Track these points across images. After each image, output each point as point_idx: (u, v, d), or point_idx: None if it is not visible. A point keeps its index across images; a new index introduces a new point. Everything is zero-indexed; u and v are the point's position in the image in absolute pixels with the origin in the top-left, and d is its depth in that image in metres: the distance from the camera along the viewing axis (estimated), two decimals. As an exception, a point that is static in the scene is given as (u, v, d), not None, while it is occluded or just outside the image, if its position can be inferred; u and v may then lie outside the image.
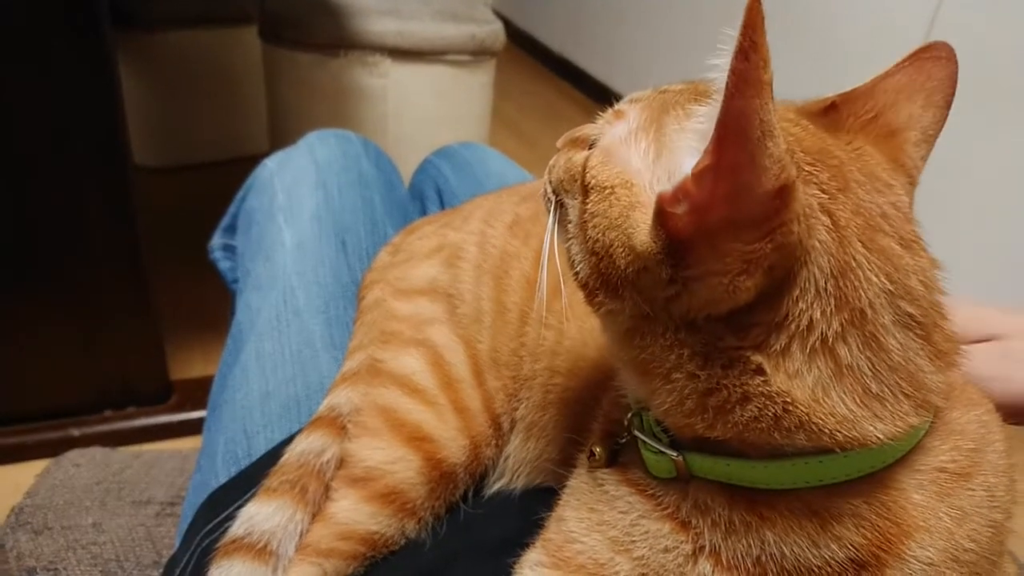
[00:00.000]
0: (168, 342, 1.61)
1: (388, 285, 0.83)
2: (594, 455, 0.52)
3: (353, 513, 0.65)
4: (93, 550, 0.80)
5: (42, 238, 1.37)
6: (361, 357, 0.76)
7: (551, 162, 0.53)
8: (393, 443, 0.68)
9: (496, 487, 0.73)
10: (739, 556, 0.43)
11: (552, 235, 0.52)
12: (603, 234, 0.42)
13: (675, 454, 0.45)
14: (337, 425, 0.70)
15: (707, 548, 0.44)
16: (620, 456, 0.52)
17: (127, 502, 0.86)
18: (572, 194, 0.48)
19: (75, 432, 1.52)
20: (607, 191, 0.43)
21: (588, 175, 0.45)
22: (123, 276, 1.47)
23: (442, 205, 1.10)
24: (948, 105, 0.49)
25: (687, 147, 0.40)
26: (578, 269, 0.46)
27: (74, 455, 0.94)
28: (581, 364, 0.67)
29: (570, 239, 0.48)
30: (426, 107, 1.92)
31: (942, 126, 0.49)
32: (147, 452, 0.98)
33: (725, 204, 0.35)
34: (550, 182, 0.52)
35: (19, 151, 1.28)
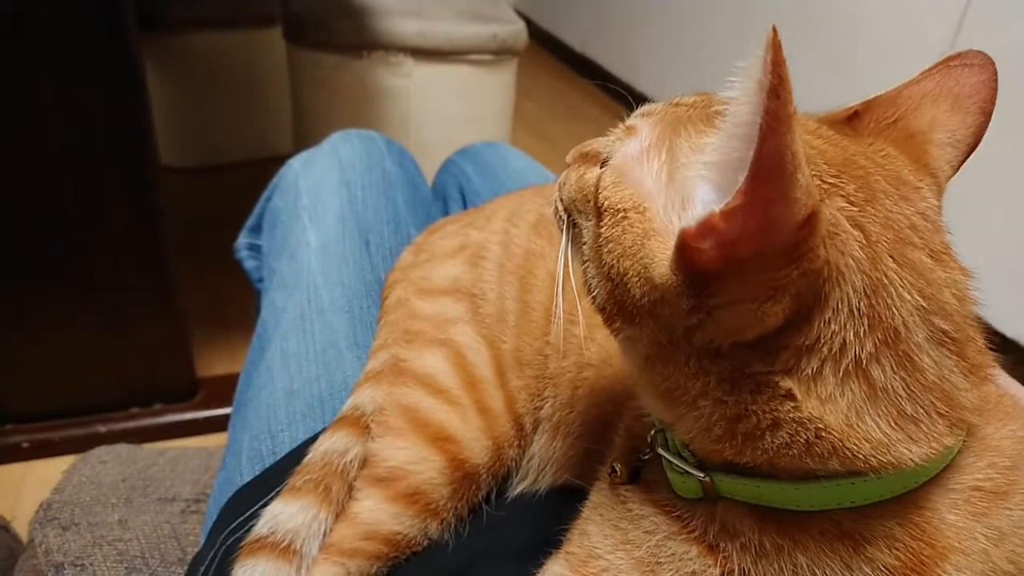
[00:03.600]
0: (194, 340, 1.63)
1: (411, 284, 0.83)
2: (615, 471, 0.51)
3: (376, 513, 0.65)
4: (119, 547, 0.81)
5: (70, 238, 1.39)
6: (384, 356, 0.76)
7: (560, 178, 0.52)
8: (416, 443, 0.68)
9: (519, 488, 0.73)
10: None
11: (566, 254, 0.50)
12: (618, 261, 0.41)
13: (702, 475, 0.44)
14: (361, 424, 0.70)
15: (736, 573, 0.43)
16: (643, 473, 0.51)
17: (152, 499, 0.87)
18: (585, 215, 0.47)
19: (102, 429, 1.55)
20: (620, 215, 0.42)
21: (601, 196, 0.44)
22: (149, 275, 1.49)
23: (464, 205, 1.10)
24: (984, 112, 0.48)
25: (701, 176, 0.39)
26: (595, 294, 0.44)
27: (100, 452, 0.94)
28: (614, 353, 0.67)
29: (586, 261, 0.46)
30: (448, 107, 1.92)
31: (979, 133, 0.48)
32: (172, 449, 0.98)
33: (755, 239, 0.34)
34: (561, 199, 0.51)
35: (47, 152, 1.30)
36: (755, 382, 0.39)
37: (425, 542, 0.66)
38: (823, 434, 0.38)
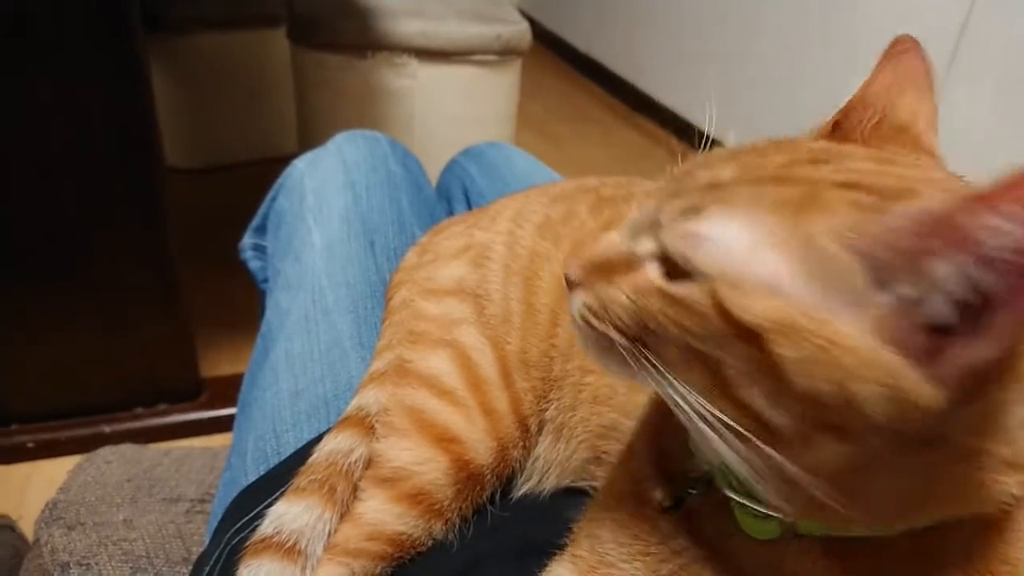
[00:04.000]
0: (198, 340, 1.63)
1: (416, 285, 0.83)
2: (657, 497, 0.48)
3: (381, 513, 0.65)
4: (124, 546, 0.81)
5: (74, 238, 1.39)
6: (389, 357, 0.76)
7: (588, 301, 0.43)
8: (421, 444, 0.68)
9: (524, 489, 0.73)
10: None
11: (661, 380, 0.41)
12: (830, 385, 0.34)
13: (787, 518, 0.41)
14: (365, 425, 0.70)
15: None
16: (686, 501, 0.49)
17: (157, 499, 0.87)
18: (706, 339, 0.38)
19: (107, 429, 1.55)
20: (803, 335, 0.35)
21: (740, 316, 0.36)
22: (154, 275, 1.49)
23: (469, 205, 1.10)
24: (933, 89, 0.48)
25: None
26: (768, 416, 0.37)
27: (105, 452, 0.95)
28: None
29: (736, 388, 0.38)
30: (453, 107, 1.92)
31: (936, 111, 0.48)
32: (177, 449, 0.98)
33: None
34: (619, 326, 0.42)
35: (52, 153, 1.31)
36: (966, 455, 0.37)
37: (429, 543, 0.66)
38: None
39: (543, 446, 0.72)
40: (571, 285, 0.45)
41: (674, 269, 0.39)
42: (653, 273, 0.41)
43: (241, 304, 1.37)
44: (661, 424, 0.53)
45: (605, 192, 0.86)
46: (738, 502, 0.43)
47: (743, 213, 0.38)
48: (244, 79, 2.35)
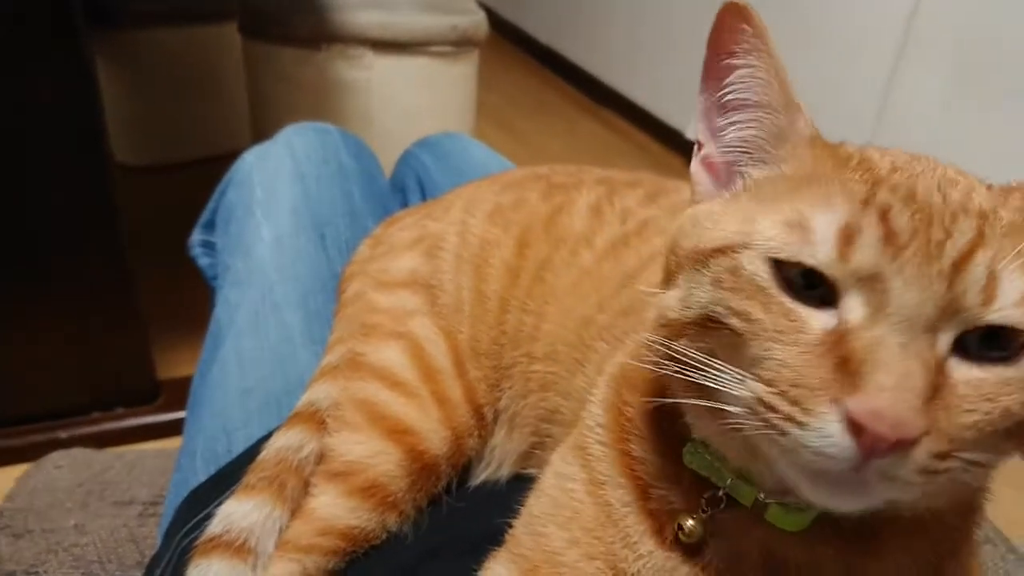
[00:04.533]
0: (155, 342, 1.59)
1: (368, 278, 0.82)
2: (683, 529, 0.46)
3: (333, 508, 0.64)
4: (75, 552, 0.79)
5: (23, 239, 1.35)
6: (341, 351, 0.75)
7: (935, 447, 0.34)
8: (373, 436, 0.67)
9: (482, 477, 0.73)
10: None
11: None
12: None
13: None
14: (316, 420, 0.69)
15: None
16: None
17: (109, 503, 0.85)
18: None
19: (62, 434, 1.51)
20: None
21: None
22: (108, 276, 1.45)
23: (424, 197, 1.09)
24: None
25: None
26: None
27: (56, 457, 0.93)
28: (560, 348, 0.66)
29: None
30: (410, 99, 1.90)
31: None
32: (129, 452, 0.97)
33: None
34: (970, 452, 0.36)
35: (-7, 151, 1.27)
36: None
37: (384, 535, 0.65)
38: None
39: (499, 435, 0.72)
40: (879, 444, 0.33)
41: (987, 347, 0.36)
42: (969, 368, 0.36)
43: (199, 304, 1.34)
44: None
45: (556, 179, 0.86)
46: (773, 503, 0.43)
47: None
48: (196, 75, 2.31)
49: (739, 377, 0.37)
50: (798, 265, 0.37)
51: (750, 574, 0.45)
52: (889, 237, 0.36)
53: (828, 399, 0.34)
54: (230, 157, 1.17)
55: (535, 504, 0.54)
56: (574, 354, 0.65)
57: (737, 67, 0.44)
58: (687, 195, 0.49)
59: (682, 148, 0.61)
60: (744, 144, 0.45)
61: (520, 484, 0.68)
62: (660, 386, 0.48)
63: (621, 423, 0.51)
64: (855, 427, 0.33)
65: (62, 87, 1.26)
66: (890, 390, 0.33)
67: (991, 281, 0.35)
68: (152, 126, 2.34)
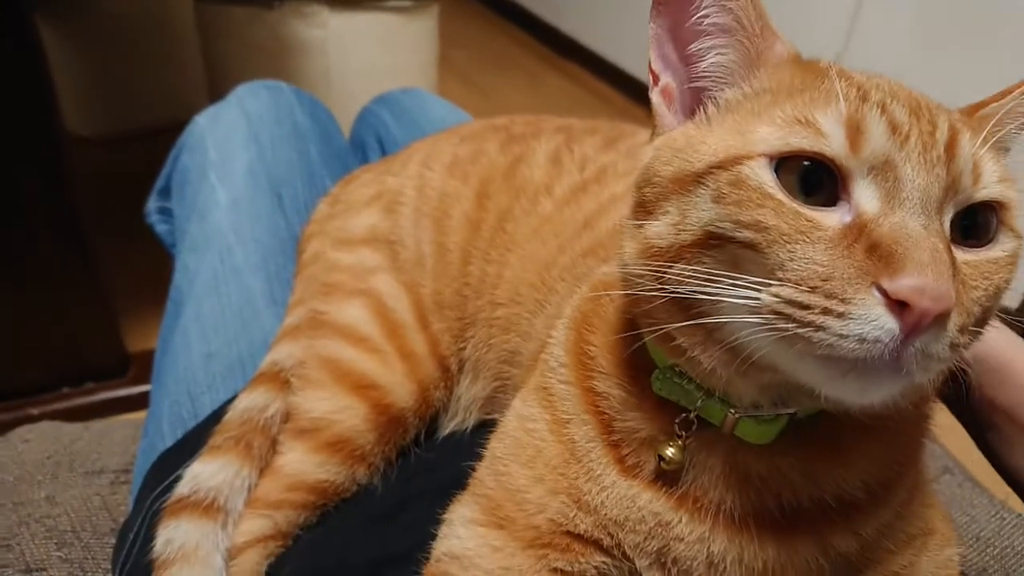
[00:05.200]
0: (123, 314, 1.58)
1: (328, 237, 0.81)
2: (664, 458, 0.47)
3: (301, 464, 0.65)
4: (47, 523, 0.78)
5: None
6: (302, 311, 0.75)
7: (960, 320, 0.37)
8: (338, 393, 0.67)
9: (450, 427, 0.74)
10: None
11: None
12: None
13: (793, 411, 0.44)
14: (280, 380, 0.69)
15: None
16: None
17: (80, 473, 0.84)
18: None
19: (34, 411, 1.50)
20: None
21: None
22: (67, 250, 1.43)
23: (384, 154, 1.08)
24: None
25: None
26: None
27: (23, 431, 0.91)
28: (522, 290, 0.67)
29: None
30: (369, 57, 1.86)
31: None
32: (98, 423, 0.96)
33: None
34: (973, 326, 0.39)
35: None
36: None
37: (354, 487, 0.66)
38: None
39: (464, 384, 0.73)
40: (924, 318, 0.34)
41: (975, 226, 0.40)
42: (962, 252, 0.39)
43: (165, 275, 1.33)
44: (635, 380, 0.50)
45: (515, 130, 0.85)
46: (745, 417, 0.44)
47: None
48: (149, 41, 2.24)
49: (757, 285, 0.37)
50: (814, 155, 0.38)
51: (713, 491, 0.46)
52: (893, 127, 0.38)
53: (868, 284, 0.35)
54: (188, 124, 1.14)
55: (498, 446, 0.54)
56: (536, 295, 0.65)
57: None
58: (644, 139, 0.48)
59: (646, 99, 0.61)
60: (720, 69, 0.44)
61: (486, 431, 0.69)
62: (624, 321, 0.49)
63: (583, 361, 0.51)
64: (898, 307, 0.34)
65: (6, 57, 1.22)
66: (929, 265, 0.34)
67: (976, 164, 0.39)
68: (107, 96, 2.28)
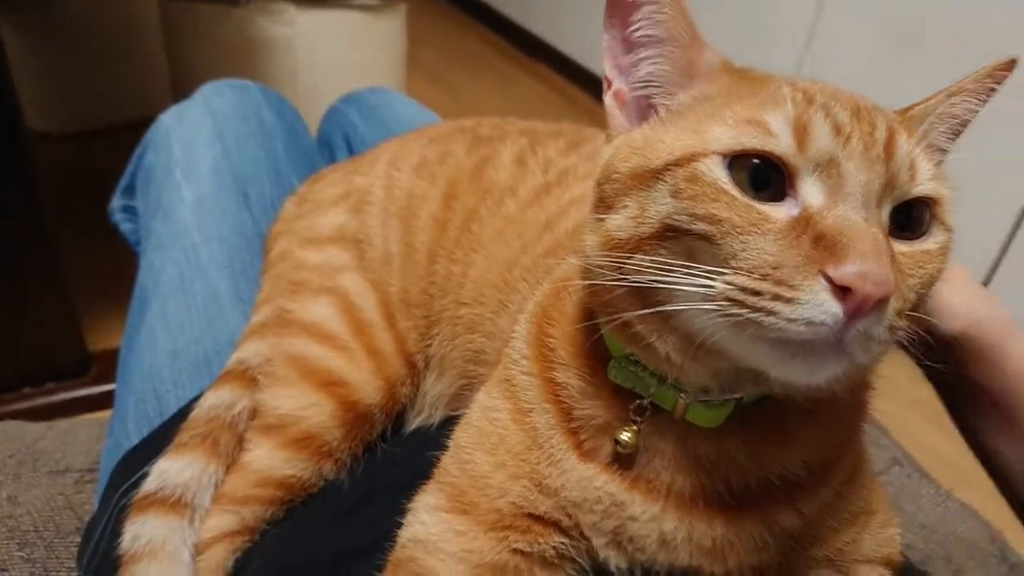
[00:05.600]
0: (85, 314, 1.56)
1: (295, 236, 0.82)
2: (620, 443, 0.49)
3: (268, 460, 0.65)
4: (9, 523, 0.78)
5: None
6: (269, 309, 0.75)
7: (897, 305, 0.40)
8: (305, 390, 0.68)
9: (416, 423, 0.75)
10: None
11: None
12: None
13: (740, 395, 0.47)
14: (247, 378, 0.70)
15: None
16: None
17: (43, 473, 0.84)
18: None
19: (-7, 411, 1.48)
20: None
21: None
22: (30, 248, 1.41)
23: (351, 153, 1.08)
24: None
25: None
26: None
27: (-17, 431, 0.91)
28: (486, 290, 0.68)
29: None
30: (337, 55, 1.86)
31: None
32: (62, 422, 0.95)
33: None
34: (908, 309, 0.42)
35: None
36: None
37: (321, 483, 0.67)
38: None
39: (430, 381, 0.74)
40: (866, 302, 0.37)
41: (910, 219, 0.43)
42: (898, 243, 0.42)
43: (128, 274, 1.32)
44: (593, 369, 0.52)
45: (481, 132, 0.87)
46: (696, 402, 0.47)
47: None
48: (114, 38, 2.21)
49: (711, 274, 0.39)
50: (764, 154, 0.40)
51: (664, 473, 0.48)
52: (836, 127, 0.40)
53: (815, 272, 0.37)
54: (152, 122, 1.14)
55: (462, 436, 0.56)
56: (499, 295, 0.67)
57: (643, 4, 0.46)
58: (603, 142, 0.51)
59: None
60: (656, 78, 0.47)
61: (451, 425, 0.71)
62: (583, 314, 0.51)
63: (544, 353, 0.53)
64: (842, 292, 0.37)
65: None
66: (870, 253, 0.37)
67: (913, 162, 0.42)
68: (72, 93, 2.25)
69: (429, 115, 1.19)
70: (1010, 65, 0.47)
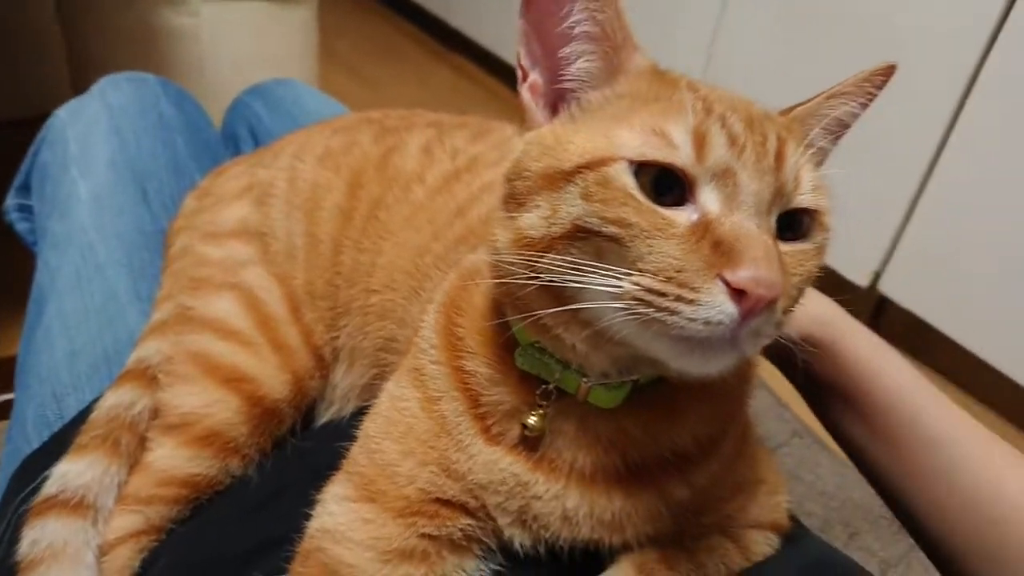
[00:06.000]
0: (-19, 319, 1.49)
1: (196, 230, 0.80)
2: (527, 427, 0.51)
3: (172, 459, 0.65)
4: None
5: None
6: (170, 306, 0.74)
7: (784, 304, 0.43)
8: (208, 387, 0.67)
9: (327, 416, 0.75)
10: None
11: None
12: None
13: (636, 377, 0.49)
14: (147, 376, 0.68)
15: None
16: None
17: (-64, 486, 0.80)
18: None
19: None
20: None
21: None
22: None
23: (257, 145, 1.07)
24: None
25: None
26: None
27: None
28: (397, 276, 0.69)
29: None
30: (244, 47, 1.82)
31: None
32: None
33: None
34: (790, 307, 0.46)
35: None
36: None
37: (228, 479, 0.67)
38: None
39: (340, 373, 0.74)
40: (759, 304, 0.40)
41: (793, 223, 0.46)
42: (783, 244, 0.45)
43: (25, 275, 1.26)
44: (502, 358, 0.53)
45: (388, 123, 0.87)
46: (597, 385, 0.49)
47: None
48: (6, 30, 2.10)
49: (619, 275, 0.42)
50: (667, 165, 0.42)
51: (567, 452, 0.51)
52: (732, 139, 0.43)
53: (713, 275, 0.40)
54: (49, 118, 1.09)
55: (371, 425, 0.57)
56: (410, 282, 0.67)
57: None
58: (510, 133, 0.52)
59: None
60: (586, 73, 0.48)
61: (362, 416, 0.71)
62: (491, 304, 0.53)
63: (452, 343, 0.55)
64: (737, 294, 0.40)
65: None
66: (763, 259, 0.40)
67: (798, 174, 0.45)
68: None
69: (337, 107, 1.18)
70: (889, 71, 0.50)
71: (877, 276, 1.86)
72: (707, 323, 0.40)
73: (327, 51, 2.14)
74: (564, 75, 0.49)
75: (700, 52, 2.13)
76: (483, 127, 0.85)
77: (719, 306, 0.40)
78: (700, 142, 0.42)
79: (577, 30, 0.47)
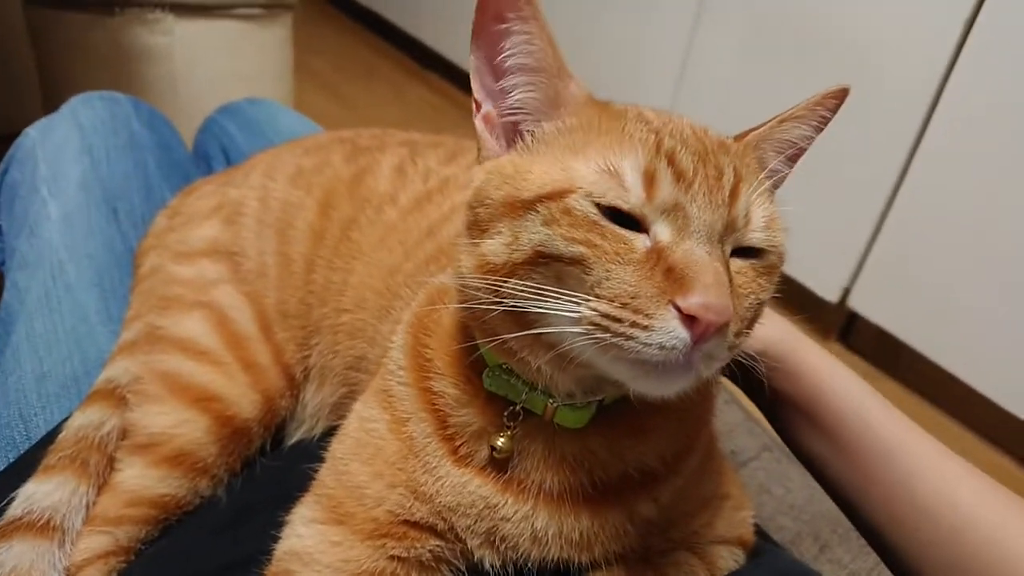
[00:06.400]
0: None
1: (167, 250, 0.80)
2: (496, 448, 0.52)
3: (141, 479, 0.64)
4: None
5: None
6: (139, 326, 0.74)
7: (736, 327, 0.45)
8: (177, 407, 0.67)
9: (298, 435, 0.75)
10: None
11: None
12: None
13: (601, 398, 0.50)
14: (116, 397, 0.68)
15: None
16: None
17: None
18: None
19: None
20: None
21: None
22: None
23: (229, 165, 1.07)
24: None
25: None
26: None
27: None
28: (368, 296, 0.69)
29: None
30: (218, 66, 1.81)
31: None
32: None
33: None
34: (744, 330, 0.48)
35: None
36: None
37: (197, 500, 0.66)
38: None
39: (310, 392, 0.74)
40: (709, 329, 0.41)
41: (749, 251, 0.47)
42: (737, 262, 0.47)
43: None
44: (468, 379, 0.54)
45: (360, 142, 0.88)
46: (563, 406, 0.51)
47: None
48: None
49: (578, 300, 0.43)
50: (618, 208, 0.44)
51: (535, 473, 0.51)
52: (679, 175, 0.44)
53: (666, 302, 0.41)
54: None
55: (339, 447, 0.57)
56: (381, 301, 0.68)
57: (514, 32, 0.48)
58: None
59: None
60: (525, 106, 0.49)
61: (332, 436, 0.71)
62: (459, 326, 0.54)
63: (421, 364, 0.55)
64: (688, 320, 0.41)
65: None
66: (712, 286, 0.41)
67: (749, 211, 0.46)
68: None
69: (311, 126, 1.19)
70: (841, 94, 0.51)
71: (847, 292, 1.89)
72: (661, 348, 0.41)
73: (303, 70, 2.14)
74: (509, 107, 0.50)
75: (670, 77, 2.16)
76: (457, 147, 0.86)
77: (672, 331, 0.41)
78: (649, 180, 0.44)
79: (512, 62, 0.49)
